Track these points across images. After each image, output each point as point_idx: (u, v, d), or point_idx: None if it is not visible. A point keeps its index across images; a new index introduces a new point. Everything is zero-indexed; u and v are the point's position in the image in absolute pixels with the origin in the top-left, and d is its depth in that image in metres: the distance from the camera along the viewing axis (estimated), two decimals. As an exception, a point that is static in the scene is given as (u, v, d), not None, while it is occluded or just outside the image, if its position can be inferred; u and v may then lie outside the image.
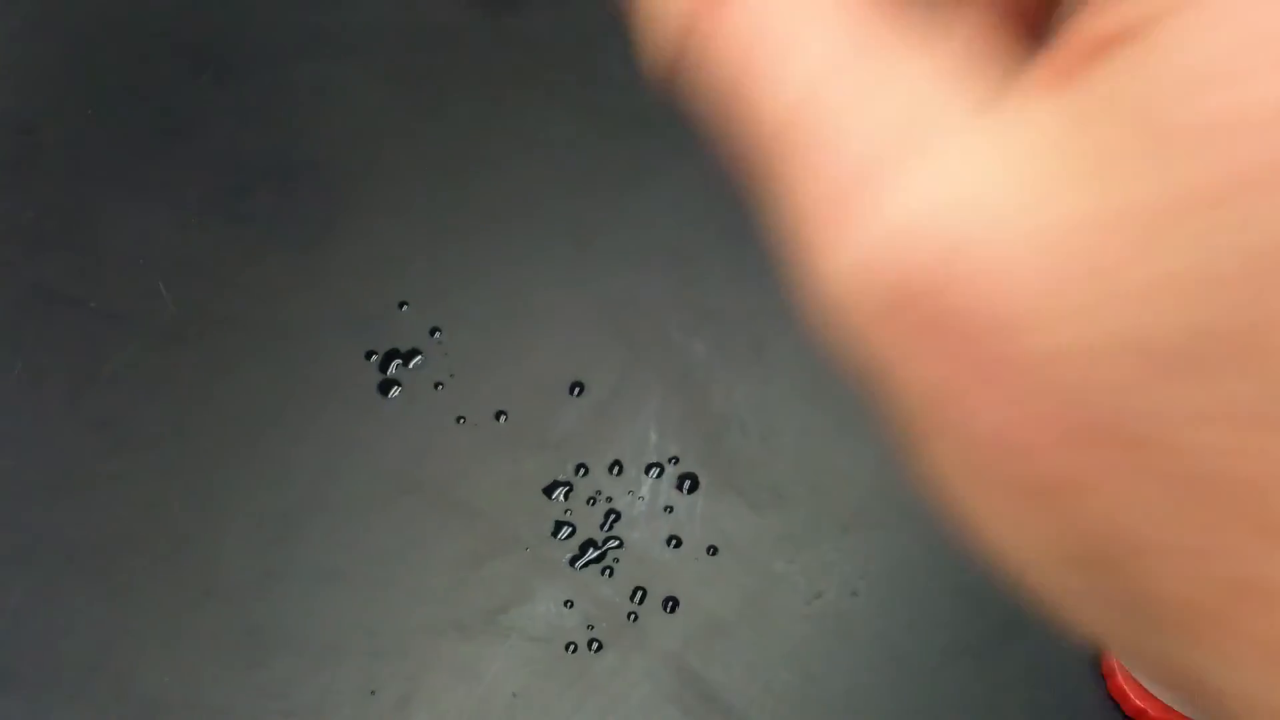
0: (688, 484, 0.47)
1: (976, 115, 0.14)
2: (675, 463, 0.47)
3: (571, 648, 0.45)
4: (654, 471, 0.47)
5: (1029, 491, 0.14)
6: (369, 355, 0.50)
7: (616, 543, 0.46)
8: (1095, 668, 0.43)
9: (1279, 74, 0.12)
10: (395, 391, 0.50)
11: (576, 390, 0.48)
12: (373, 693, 0.44)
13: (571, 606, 0.45)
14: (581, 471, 0.47)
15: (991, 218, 0.13)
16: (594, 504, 0.47)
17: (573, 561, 0.46)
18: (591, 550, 0.46)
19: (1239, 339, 0.12)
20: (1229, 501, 0.13)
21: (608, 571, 0.46)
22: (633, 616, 0.45)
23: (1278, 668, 0.13)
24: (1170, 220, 0.12)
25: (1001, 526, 0.14)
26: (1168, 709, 0.42)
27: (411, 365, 0.50)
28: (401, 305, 0.51)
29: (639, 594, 0.45)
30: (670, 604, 0.45)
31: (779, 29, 0.15)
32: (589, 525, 0.46)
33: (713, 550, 0.46)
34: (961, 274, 0.13)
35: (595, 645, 0.45)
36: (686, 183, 0.52)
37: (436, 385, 0.49)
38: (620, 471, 0.47)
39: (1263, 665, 0.13)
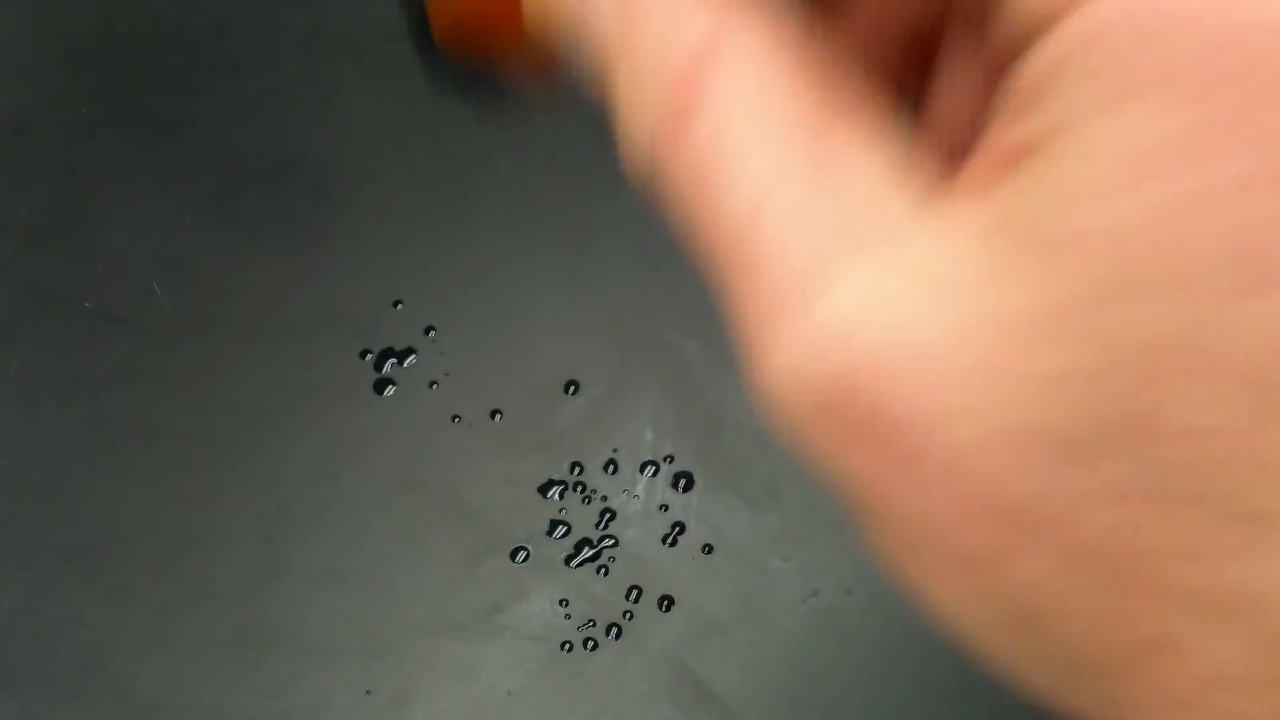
0: (683, 482, 0.47)
1: (906, 223, 0.15)
2: (670, 461, 0.47)
3: (567, 647, 0.45)
4: (649, 470, 0.47)
5: (957, 566, 0.15)
6: (364, 354, 0.50)
7: (612, 541, 0.46)
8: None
9: (1142, 192, 0.13)
10: (390, 391, 0.49)
11: (571, 389, 0.48)
12: (369, 692, 0.44)
13: (567, 605, 0.45)
14: (577, 470, 0.47)
15: (908, 322, 0.15)
16: (589, 503, 0.47)
17: (568, 560, 0.46)
18: (587, 549, 0.46)
19: (1121, 426, 0.14)
20: (1127, 570, 0.14)
21: (603, 570, 0.46)
22: (628, 615, 0.45)
23: (1184, 717, 0.14)
24: (1057, 322, 0.14)
25: (940, 597, 0.16)
26: None
27: (406, 364, 0.50)
28: (396, 304, 0.51)
29: (634, 593, 0.45)
30: (666, 603, 0.45)
31: (732, 144, 0.16)
32: (584, 524, 0.46)
33: (708, 549, 0.46)
34: (883, 374, 0.15)
35: (591, 644, 0.44)
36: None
37: (431, 384, 0.49)
38: (615, 470, 0.47)
39: (1171, 715, 0.14)
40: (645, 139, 0.17)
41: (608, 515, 0.46)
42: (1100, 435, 0.14)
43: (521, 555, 0.46)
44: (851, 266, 0.15)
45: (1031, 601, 0.15)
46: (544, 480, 0.47)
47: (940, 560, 0.15)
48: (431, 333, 0.50)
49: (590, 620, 0.45)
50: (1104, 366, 0.14)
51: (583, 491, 0.47)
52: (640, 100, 0.17)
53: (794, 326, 0.15)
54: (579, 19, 0.18)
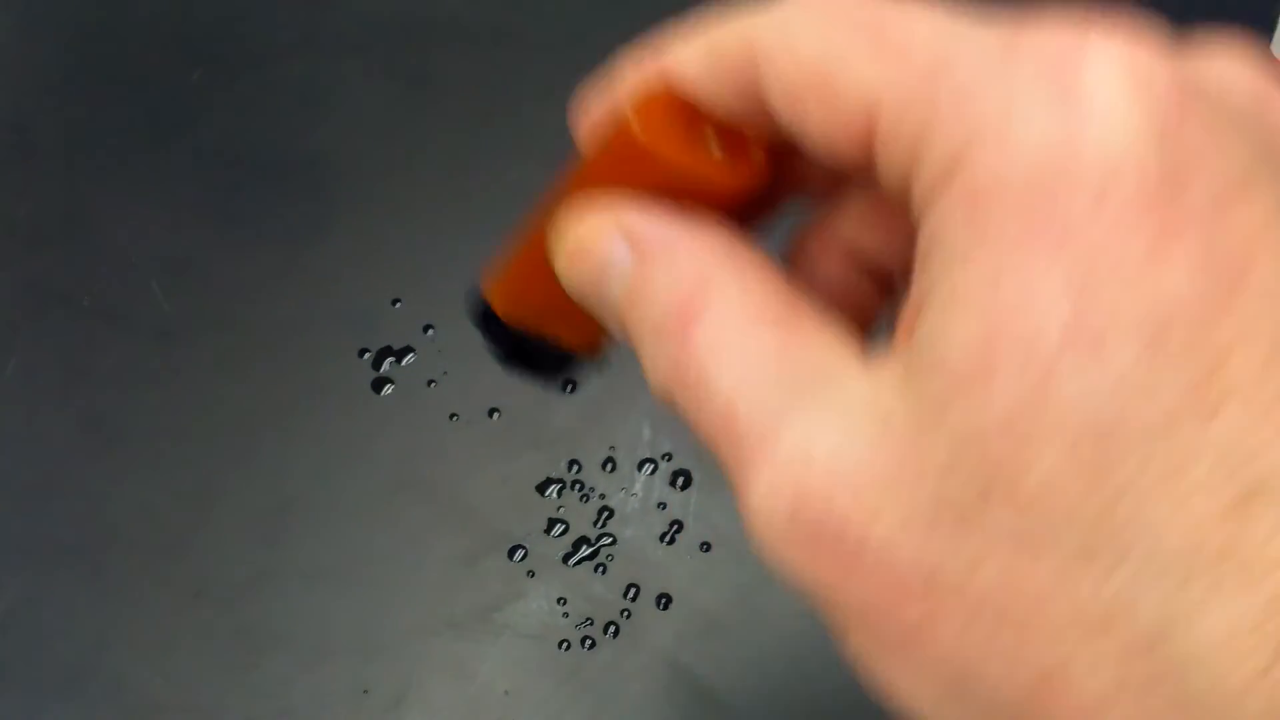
0: (681, 480, 0.47)
1: (845, 379, 0.20)
2: (668, 459, 0.47)
3: (565, 645, 0.44)
4: (647, 468, 0.47)
5: (898, 643, 0.19)
6: (362, 353, 0.50)
7: (610, 539, 0.46)
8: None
9: (976, 317, 0.18)
10: (388, 389, 0.49)
11: (569, 387, 0.48)
12: (366, 691, 0.44)
13: (565, 604, 0.45)
14: (575, 469, 0.47)
15: (838, 451, 0.19)
16: (587, 501, 0.47)
17: (566, 559, 0.46)
18: (585, 547, 0.46)
19: (988, 496, 0.18)
20: (1016, 613, 0.18)
21: (601, 569, 0.46)
22: (626, 613, 0.45)
23: None
24: (931, 426, 0.18)
25: (894, 678, 0.19)
26: None
27: (404, 363, 0.50)
28: (394, 303, 0.51)
29: (632, 591, 0.45)
30: (664, 600, 0.45)
31: (714, 357, 0.21)
32: (582, 522, 0.46)
33: (706, 546, 0.46)
34: (824, 494, 0.19)
35: (589, 642, 0.44)
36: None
37: (429, 383, 0.49)
38: (613, 468, 0.47)
39: None
40: (658, 368, 0.22)
41: (606, 513, 0.46)
42: (975, 506, 0.18)
43: (519, 554, 0.46)
44: (799, 417, 0.20)
45: (954, 663, 0.18)
46: (542, 478, 0.47)
47: (886, 641, 0.19)
48: (430, 331, 0.50)
49: (588, 619, 0.45)
50: (959, 451, 0.18)
51: (581, 490, 0.47)
52: (651, 341, 0.22)
53: (759, 471, 0.20)
54: (601, 289, 0.23)
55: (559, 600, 0.45)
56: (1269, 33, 0.50)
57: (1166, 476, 0.17)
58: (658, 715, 0.43)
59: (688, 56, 0.23)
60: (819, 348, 0.21)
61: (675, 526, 0.46)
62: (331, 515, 0.47)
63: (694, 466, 0.47)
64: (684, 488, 0.47)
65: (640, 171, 0.23)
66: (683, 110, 0.23)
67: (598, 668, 0.44)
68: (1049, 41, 0.19)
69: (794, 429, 0.20)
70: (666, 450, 0.47)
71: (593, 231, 0.23)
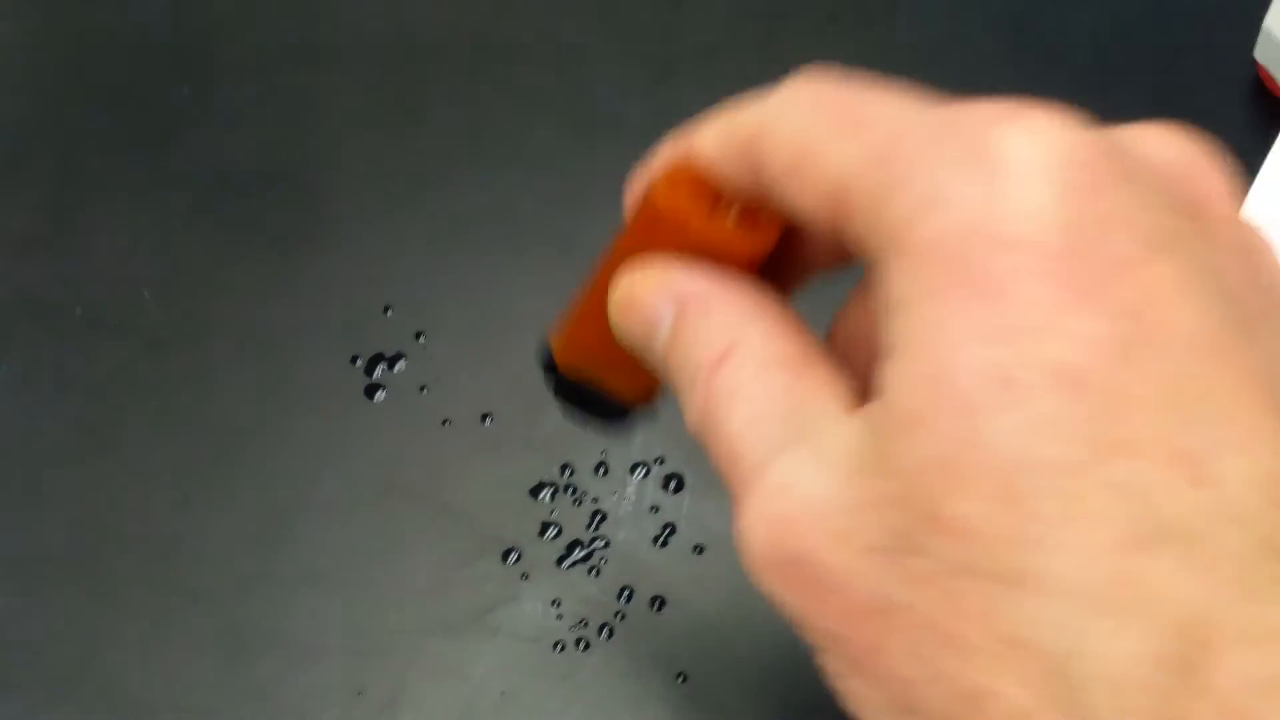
0: (674, 484, 0.47)
1: (831, 423, 0.22)
2: (661, 463, 0.47)
3: (559, 647, 0.45)
4: (640, 471, 0.47)
5: (855, 666, 0.21)
6: (354, 360, 0.50)
7: (603, 542, 0.46)
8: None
9: (927, 363, 0.20)
10: (380, 395, 0.50)
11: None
12: (359, 694, 0.44)
13: (559, 606, 0.45)
14: (567, 472, 0.47)
15: (809, 488, 0.21)
16: (580, 504, 0.47)
17: (559, 561, 0.46)
18: (578, 550, 0.46)
19: (920, 526, 0.19)
20: (948, 635, 0.19)
21: (594, 571, 0.46)
22: (620, 615, 0.45)
23: None
24: (877, 461, 0.20)
25: (858, 700, 0.21)
26: None
27: (396, 369, 0.50)
28: (386, 310, 0.51)
29: (626, 593, 0.45)
30: (658, 603, 0.45)
31: (731, 399, 0.24)
32: (575, 525, 0.46)
33: (699, 549, 0.46)
34: (797, 526, 0.21)
35: (583, 644, 0.45)
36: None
37: (421, 389, 0.50)
38: (606, 472, 0.47)
39: None
40: (691, 412, 0.25)
41: (599, 517, 0.47)
42: (917, 535, 0.19)
43: (513, 556, 0.46)
44: (788, 455, 0.22)
45: (902, 682, 0.20)
46: (534, 482, 0.47)
47: (847, 660, 0.21)
48: (421, 338, 0.51)
49: (583, 620, 0.45)
50: (903, 485, 0.20)
51: (573, 493, 0.47)
52: (686, 387, 0.25)
53: (749, 501, 0.22)
54: (648, 340, 0.26)
55: (553, 602, 0.45)
56: (1251, 38, 0.51)
57: (1071, 511, 0.18)
58: (652, 717, 0.43)
59: (708, 138, 0.26)
60: (819, 393, 0.23)
61: (668, 529, 0.46)
62: (325, 519, 0.47)
63: (686, 470, 0.47)
64: (676, 491, 0.47)
65: (666, 236, 0.26)
66: (704, 186, 0.26)
67: (592, 669, 0.44)
68: (979, 116, 0.21)
69: (781, 464, 0.22)
70: (659, 454, 0.47)
71: (639, 287, 0.26)
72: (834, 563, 0.21)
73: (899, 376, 0.20)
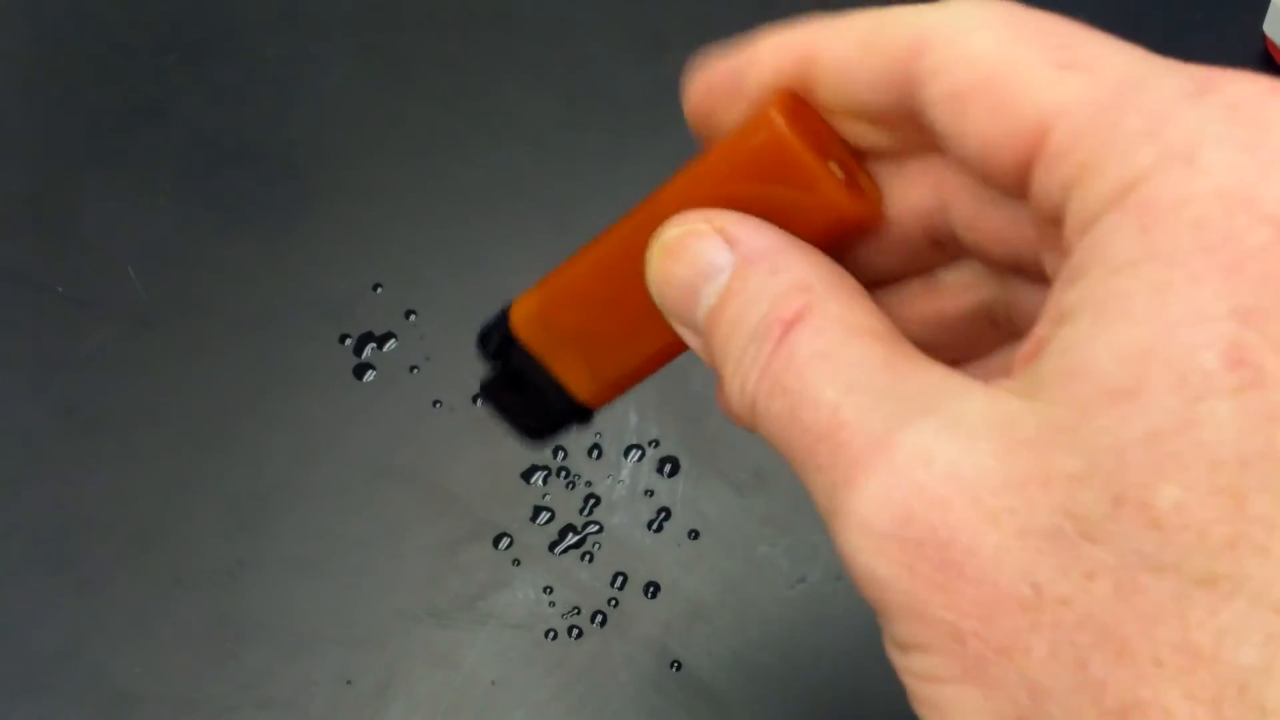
0: (668, 467, 0.46)
1: (955, 396, 0.20)
2: (655, 445, 0.46)
3: (551, 634, 0.44)
4: (634, 454, 0.46)
5: (978, 665, 0.18)
6: (343, 339, 0.49)
7: (596, 527, 0.45)
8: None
9: (1138, 325, 0.18)
10: (370, 376, 0.49)
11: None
12: (349, 682, 0.43)
13: (551, 592, 0.44)
14: (560, 455, 0.47)
15: (953, 461, 0.19)
16: (573, 488, 0.46)
17: (552, 547, 0.45)
18: (571, 535, 0.45)
19: (1115, 513, 0.17)
20: (1117, 638, 0.17)
21: (587, 557, 0.45)
22: (613, 602, 0.44)
23: None
24: (1060, 435, 0.18)
25: (954, 705, 0.19)
26: None
27: (386, 349, 0.49)
28: (375, 287, 0.50)
29: (619, 579, 0.44)
30: (651, 589, 0.44)
31: (820, 362, 0.21)
32: (568, 510, 0.46)
33: (694, 534, 0.45)
34: (937, 502, 0.19)
35: (576, 632, 0.44)
36: (665, 164, 0.51)
37: (412, 369, 0.49)
38: (600, 455, 0.47)
39: None
40: (746, 375, 0.22)
41: (592, 501, 0.46)
42: (1102, 520, 0.17)
43: (504, 542, 0.45)
44: (917, 426, 0.19)
45: (1035, 688, 0.18)
46: (527, 466, 0.46)
47: (967, 660, 0.19)
48: (412, 316, 0.50)
49: (575, 608, 0.44)
50: (1092, 463, 0.18)
51: (566, 477, 0.46)
52: (742, 346, 0.22)
53: (870, 478, 0.19)
54: (693, 290, 0.23)
55: (545, 589, 0.44)
56: (1260, 12, 0.50)
57: None
58: (646, 705, 0.43)
59: (839, 41, 0.22)
60: (927, 366, 0.21)
61: (663, 514, 0.45)
62: (312, 503, 0.46)
63: (681, 453, 0.46)
64: (671, 475, 0.46)
65: (768, 171, 0.22)
66: (815, 119, 0.22)
67: (585, 657, 0.43)
68: (1250, 87, 0.19)
69: (912, 436, 0.19)
70: (654, 437, 0.46)
71: (692, 231, 0.23)
72: (980, 544, 0.18)
73: (1104, 338, 0.18)
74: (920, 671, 0.19)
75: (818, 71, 0.22)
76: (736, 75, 0.24)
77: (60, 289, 0.51)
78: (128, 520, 0.47)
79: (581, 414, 0.28)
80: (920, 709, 0.20)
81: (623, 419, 0.47)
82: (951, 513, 0.19)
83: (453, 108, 0.54)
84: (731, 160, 0.23)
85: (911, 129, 0.22)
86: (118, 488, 0.47)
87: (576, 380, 0.27)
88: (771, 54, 0.23)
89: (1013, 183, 0.20)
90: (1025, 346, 0.20)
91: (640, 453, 0.46)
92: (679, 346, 0.25)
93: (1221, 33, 0.52)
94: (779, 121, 0.22)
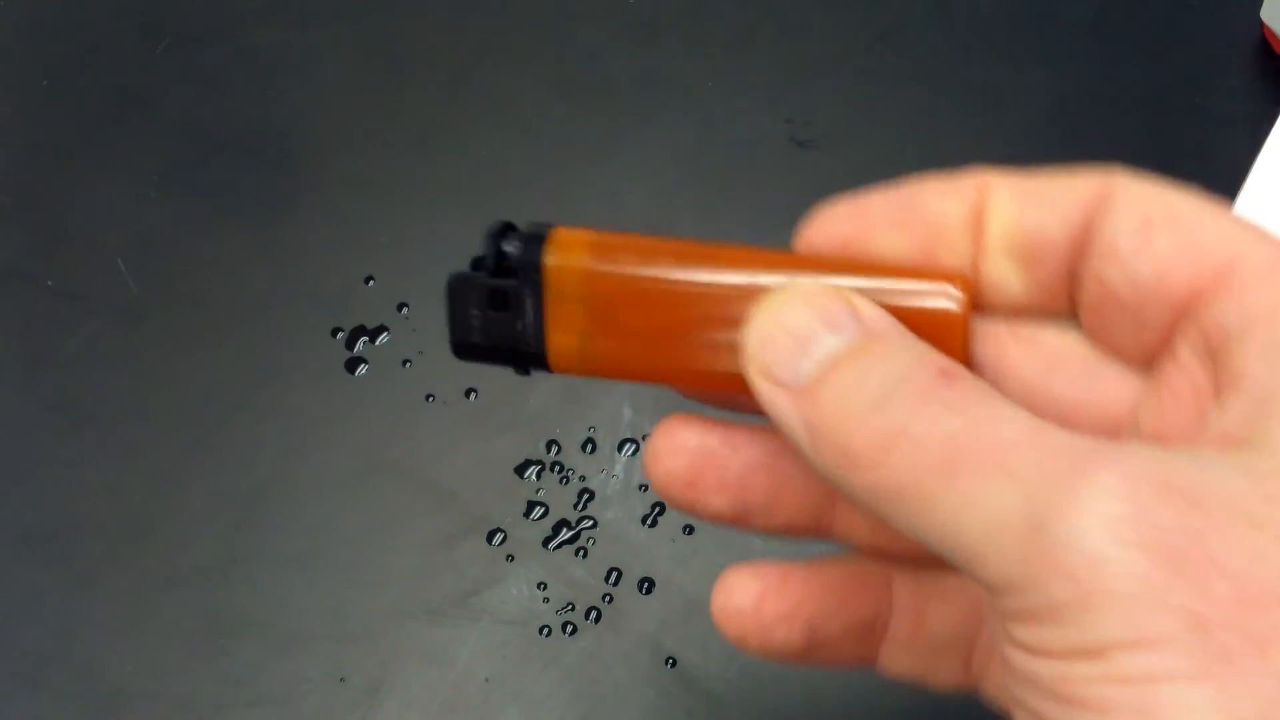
0: (663, 461, 0.46)
1: (1141, 446, 0.20)
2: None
3: (546, 630, 0.44)
4: (628, 448, 0.46)
5: (1209, 667, 0.18)
6: (335, 332, 0.49)
7: (590, 522, 0.45)
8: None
9: None
10: (362, 369, 0.48)
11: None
12: (342, 679, 0.43)
13: (545, 588, 0.44)
14: (554, 450, 0.46)
15: (1205, 479, 0.19)
16: (567, 483, 0.46)
17: (546, 542, 0.45)
18: (565, 530, 0.45)
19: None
20: None
21: (582, 552, 0.45)
22: (608, 598, 0.44)
23: None
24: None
25: (1181, 708, 0.18)
26: None
27: (379, 342, 0.49)
28: (368, 280, 0.50)
29: (614, 575, 0.44)
30: (646, 585, 0.44)
31: (989, 396, 0.22)
32: (562, 505, 0.45)
33: (689, 530, 0.45)
34: (1194, 494, 0.19)
35: (570, 628, 0.44)
36: (658, 155, 0.50)
37: (404, 362, 0.48)
38: (594, 449, 0.46)
39: None
40: (890, 412, 0.22)
41: (586, 495, 0.45)
42: None
43: (498, 537, 0.45)
44: (1138, 446, 0.20)
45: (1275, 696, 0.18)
46: (520, 460, 0.46)
47: (1203, 664, 0.18)
48: (404, 309, 0.49)
49: (569, 603, 0.44)
50: None
51: (560, 471, 0.46)
52: (892, 385, 0.22)
53: (1106, 471, 0.19)
54: (802, 345, 0.23)
55: (539, 585, 0.44)
56: (1257, 1, 0.49)
57: None
58: (641, 701, 0.43)
59: (1022, 187, 0.24)
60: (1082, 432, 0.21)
61: (657, 509, 0.45)
62: (305, 498, 0.46)
63: (676, 447, 0.46)
64: (666, 469, 0.46)
65: (919, 319, 0.24)
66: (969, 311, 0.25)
67: (579, 653, 0.43)
68: None
69: (1143, 450, 0.20)
70: (647, 431, 0.46)
71: (825, 289, 0.24)
72: (1240, 542, 0.18)
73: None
74: (1128, 672, 0.18)
75: (999, 191, 0.24)
76: (908, 202, 0.25)
77: (49, 282, 0.51)
78: (118, 516, 0.46)
79: (537, 365, 0.26)
80: (1102, 717, 0.19)
81: (616, 413, 0.47)
82: (1204, 511, 0.19)
83: (445, 98, 0.53)
84: (894, 278, 0.24)
85: (1058, 276, 0.24)
86: (108, 483, 0.47)
87: (563, 338, 0.25)
88: (949, 186, 0.25)
89: (1171, 304, 0.23)
90: (1226, 425, 0.21)
91: (634, 447, 0.46)
92: (679, 378, 0.26)
93: (1218, 19, 0.51)
94: (962, 303, 0.24)
